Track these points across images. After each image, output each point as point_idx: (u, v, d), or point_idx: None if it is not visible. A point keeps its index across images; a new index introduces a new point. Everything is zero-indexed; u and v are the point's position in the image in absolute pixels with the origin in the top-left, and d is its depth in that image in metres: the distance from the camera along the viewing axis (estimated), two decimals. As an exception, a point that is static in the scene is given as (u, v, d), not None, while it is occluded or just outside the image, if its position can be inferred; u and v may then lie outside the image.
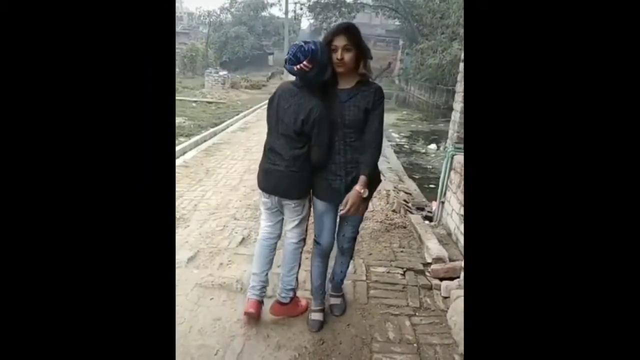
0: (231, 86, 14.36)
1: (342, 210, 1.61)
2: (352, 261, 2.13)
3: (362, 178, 1.57)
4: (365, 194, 1.58)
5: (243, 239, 2.82)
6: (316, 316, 1.90)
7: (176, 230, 2.89)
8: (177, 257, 2.47)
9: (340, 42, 1.48)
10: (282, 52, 22.47)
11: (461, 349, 1.78)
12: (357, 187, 1.56)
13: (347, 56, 1.50)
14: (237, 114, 8.91)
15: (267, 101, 1.79)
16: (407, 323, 1.97)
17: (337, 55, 1.49)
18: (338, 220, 1.81)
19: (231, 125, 7.89)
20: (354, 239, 1.89)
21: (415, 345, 1.82)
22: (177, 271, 2.33)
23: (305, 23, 29.27)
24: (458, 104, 3.06)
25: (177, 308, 1.96)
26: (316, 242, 1.83)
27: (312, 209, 1.82)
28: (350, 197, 1.57)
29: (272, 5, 27.61)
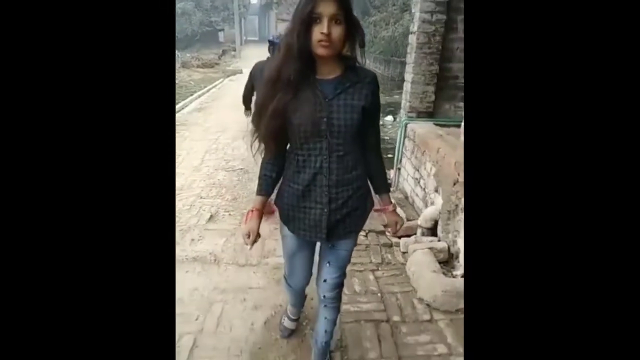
0: (182, 66, 13.74)
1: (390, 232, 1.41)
2: (339, 315, 1.60)
3: (385, 195, 1.34)
4: (394, 208, 1.36)
5: (211, 215, 2.89)
6: (288, 324, 1.77)
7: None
8: (147, 237, 2.51)
9: (326, 9, 1.00)
10: (232, 28, 21.64)
11: (419, 294, 2.01)
12: (389, 208, 1.34)
13: (336, 31, 1.02)
14: (192, 95, 8.65)
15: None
16: (371, 277, 2.17)
17: (322, 28, 1.00)
18: (317, 260, 1.40)
19: (186, 106, 7.67)
20: (340, 285, 1.40)
21: (379, 294, 2.03)
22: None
23: (255, -3, 28.20)
24: (409, 75, 3.25)
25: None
26: (286, 281, 1.54)
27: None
28: (389, 221, 1.36)
29: (218, -22, 26.25)
